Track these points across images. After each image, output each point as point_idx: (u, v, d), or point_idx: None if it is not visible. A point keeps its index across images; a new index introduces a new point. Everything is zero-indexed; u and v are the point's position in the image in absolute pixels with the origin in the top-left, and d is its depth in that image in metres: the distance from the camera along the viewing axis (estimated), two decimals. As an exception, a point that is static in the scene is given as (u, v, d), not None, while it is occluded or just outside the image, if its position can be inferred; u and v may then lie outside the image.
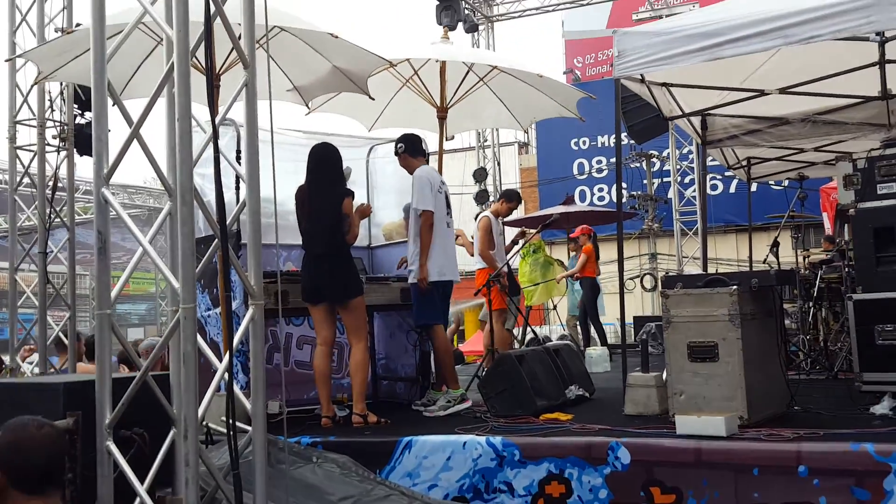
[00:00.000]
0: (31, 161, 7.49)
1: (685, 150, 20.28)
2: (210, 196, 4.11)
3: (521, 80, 7.94)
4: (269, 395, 5.67)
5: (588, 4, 16.60)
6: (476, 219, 9.29)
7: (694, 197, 18.38)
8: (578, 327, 12.52)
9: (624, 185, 21.71)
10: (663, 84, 7.69)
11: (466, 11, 15.16)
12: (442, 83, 7.77)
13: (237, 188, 5.47)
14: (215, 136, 3.45)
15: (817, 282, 8.19)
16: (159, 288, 27.63)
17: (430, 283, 6.41)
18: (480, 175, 15.81)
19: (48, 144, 7.43)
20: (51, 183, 7.34)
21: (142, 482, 3.24)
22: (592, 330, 12.19)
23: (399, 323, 7.21)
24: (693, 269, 16.64)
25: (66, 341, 7.39)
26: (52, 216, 7.30)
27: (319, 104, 7.93)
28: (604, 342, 11.62)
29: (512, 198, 9.07)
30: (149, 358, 3.50)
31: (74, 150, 7.40)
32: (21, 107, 7.41)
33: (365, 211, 6.53)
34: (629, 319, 13.64)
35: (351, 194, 6.24)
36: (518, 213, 22.45)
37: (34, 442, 2.66)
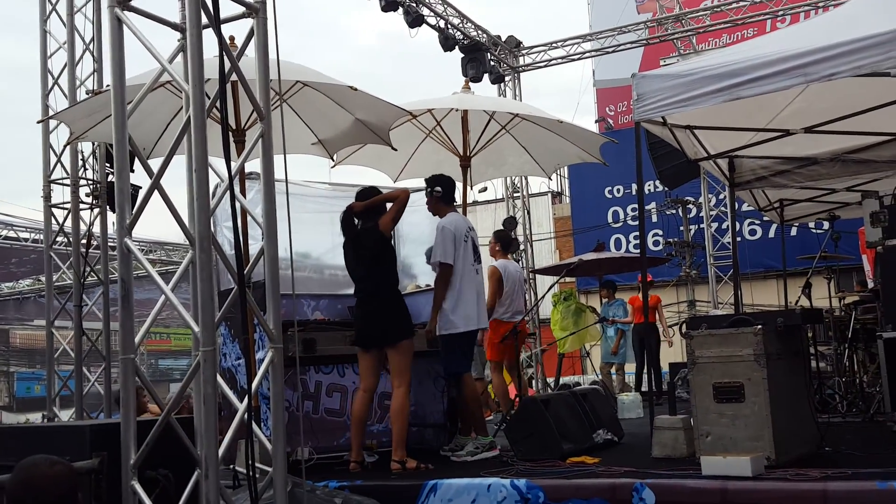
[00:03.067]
0: (66, 219, 7.71)
1: (721, 196, 20.21)
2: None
3: (543, 127, 8.02)
4: (298, 442, 5.77)
5: (615, 52, 16.71)
6: None
7: (729, 242, 18.26)
8: (612, 374, 12.46)
9: (660, 231, 21.73)
10: (686, 127, 7.73)
11: (492, 63, 15.37)
12: (464, 132, 7.88)
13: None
14: (231, 186, 3.56)
15: (852, 323, 8.09)
16: (199, 344, 27.82)
17: (458, 334, 6.46)
18: (510, 224, 15.87)
19: (81, 202, 7.65)
20: (84, 240, 7.52)
21: (165, 522, 3.31)
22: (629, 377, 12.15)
23: (427, 370, 7.24)
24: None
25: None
26: (87, 272, 7.48)
27: (344, 157, 8.08)
28: (638, 388, 11.54)
29: (499, 238, 9.00)
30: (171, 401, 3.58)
31: (107, 206, 7.61)
32: (55, 166, 7.66)
33: (392, 195, 6.48)
34: (665, 367, 13.54)
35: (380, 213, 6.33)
36: (551, 260, 22.57)
37: (45, 480, 2.71)
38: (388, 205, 6.41)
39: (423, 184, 7.03)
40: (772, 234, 20.91)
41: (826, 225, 10.66)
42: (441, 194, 6.72)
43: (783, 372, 5.31)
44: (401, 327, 6.22)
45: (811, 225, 15.27)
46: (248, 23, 3.83)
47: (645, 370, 11.92)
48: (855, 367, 8.44)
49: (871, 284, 9.74)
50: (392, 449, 6.13)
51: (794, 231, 17.57)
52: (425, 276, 7.77)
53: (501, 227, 9.91)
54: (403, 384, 6.18)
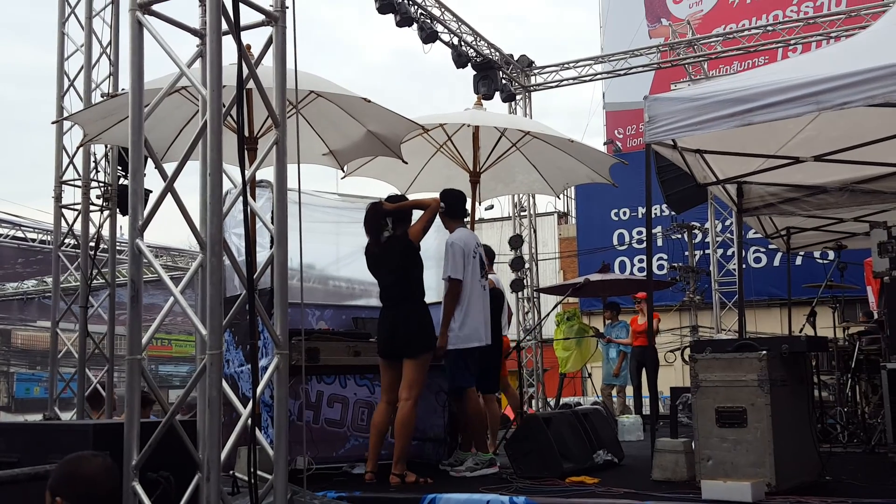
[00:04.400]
0: (75, 220, 7.73)
1: (727, 223, 20.20)
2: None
3: (553, 146, 8.05)
4: (297, 452, 5.76)
5: (626, 74, 16.75)
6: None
7: (734, 269, 18.26)
8: (613, 397, 12.43)
9: (665, 256, 21.71)
10: (696, 151, 7.74)
11: (504, 81, 15.43)
12: (475, 148, 7.91)
13: (271, 247, 5.61)
14: (244, 192, 3.58)
15: (856, 353, 8.08)
16: (201, 351, 27.81)
17: (465, 350, 6.46)
18: (516, 242, 15.88)
19: (92, 204, 7.68)
20: (93, 242, 7.55)
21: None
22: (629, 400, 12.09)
23: (429, 384, 7.22)
24: (730, 340, 16.39)
25: (102, 394, 7.52)
26: (94, 274, 7.50)
27: (355, 168, 8.13)
28: (639, 411, 11.50)
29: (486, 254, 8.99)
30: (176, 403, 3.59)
31: (117, 209, 7.64)
32: (67, 167, 7.70)
33: (423, 203, 6.48)
34: (666, 392, 13.50)
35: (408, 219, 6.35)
36: (555, 280, 22.55)
37: (99, 473, 2.72)
38: (417, 212, 6.43)
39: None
40: (777, 262, 20.89)
41: (831, 255, 10.64)
42: (446, 210, 6.71)
43: (786, 399, 5.30)
44: (424, 339, 6.23)
45: (816, 255, 15.22)
46: (266, 31, 3.86)
47: (643, 394, 11.87)
48: (857, 397, 8.42)
49: (875, 315, 9.73)
50: (392, 462, 6.12)
51: (798, 260, 17.54)
52: (432, 292, 7.77)
53: (489, 245, 9.83)
54: (412, 397, 6.17)
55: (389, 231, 6.34)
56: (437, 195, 6.69)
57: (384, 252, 6.34)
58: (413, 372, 6.17)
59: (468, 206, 8.06)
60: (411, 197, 8.32)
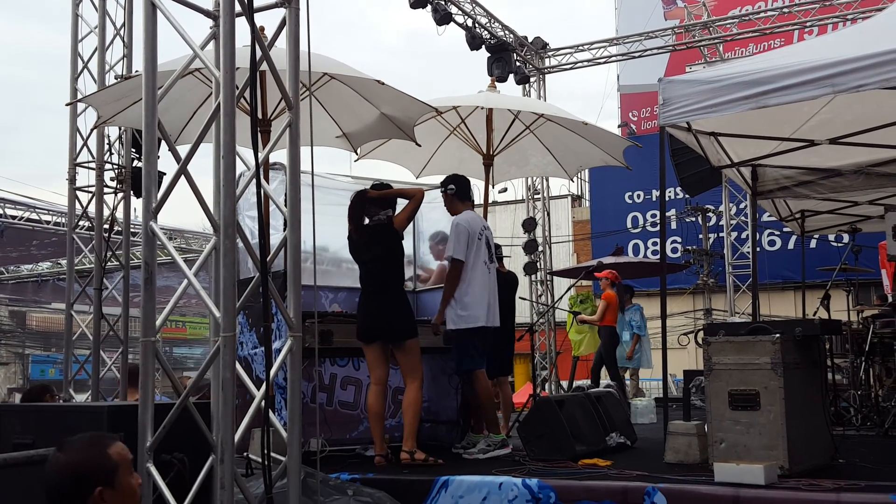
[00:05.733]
0: (90, 202, 7.76)
1: (742, 205, 20.10)
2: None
3: (567, 128, 8.01)
4: (311, 434, 5.79)
5: (640, 56, 16.66)
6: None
7: (748, 252, 18.17)
8: (626, 379, 12.40)
9: (679, 239, 21.64)
10: (711, 133, 7.70)
11: (518, 63, 15.35)
12: (488, 131, 7.89)
13: (285, 229, 5.63)
14: (258, 174, 3.58)
15: (869, 336, 8.05)
16: (214, 333, 27.96)
17: (469, 330, 6.47)
18: (529, 225, 15.85)
19: (106, 186, 7.69)
20: (107, 224, 7.57)
21: (179, 504, 3.34)
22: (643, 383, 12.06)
23: (442, 366, 7.24)
24: (744, 323, 16.30)
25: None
26: (108, 256, 7.52)
27: (368, 151, 8.12)
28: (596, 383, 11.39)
29: None
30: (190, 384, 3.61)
31: (131, 192, 7.65)
32: (81, 150, 7.72)
33: (408, 192, 6.57)
34: (680, 375, 13.48)
35: (392, 207, 6.43)
36: (568, 264, 22.54)
37: (117, 443, 2.73)
38: (402, 202, 6.50)
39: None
40: (791, 245, 20.80)
41: (846, 238, 10.59)
42: (455, 192, 6.76)
43: (800, 382, 5.29)
44: (406, 327, 6.32)
45: (831, 238, 15.12)
46: (280, 13, 3.85)
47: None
48: (871, 380, 8.40)
49: (890, 298, 9.69)
50: (403, 440, 6.17)
51: (813, 243, 17.45)
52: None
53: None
54: (416, 379, 6.28)
55: (387, 217, 6.39)
56: (421, 186, 6.76)
57: (366, 239, 6.44)
58: (406, 359, 6.30)
59: (481, 189, 8.08)
60: (423, 181, 8.35)
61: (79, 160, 7.74)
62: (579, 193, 28.08)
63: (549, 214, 16.57)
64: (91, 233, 7.83)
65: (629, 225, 24.02)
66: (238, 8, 3.54)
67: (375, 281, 6.37)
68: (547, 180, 16.33)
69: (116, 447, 2.72)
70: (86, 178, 7.75)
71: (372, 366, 6.37)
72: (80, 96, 7.38)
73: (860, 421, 7.95)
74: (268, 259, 3.71)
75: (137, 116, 6.79)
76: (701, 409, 7.42)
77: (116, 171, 7.67)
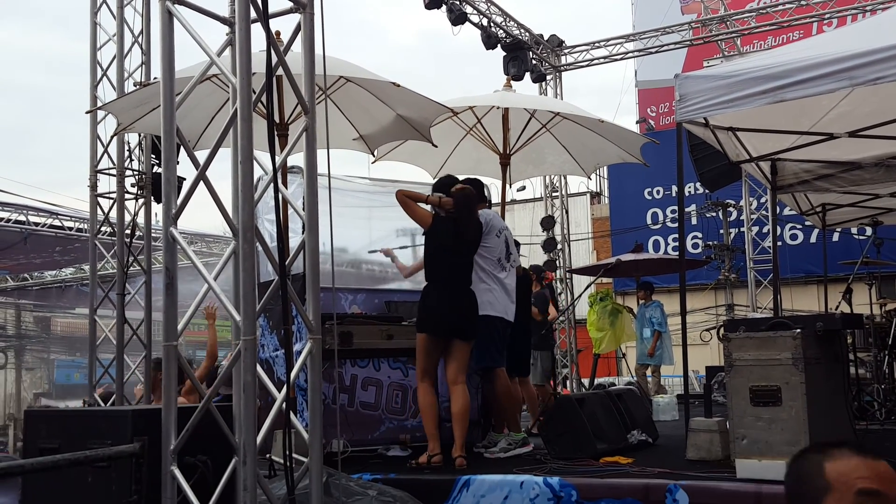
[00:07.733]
0: (111, 208, 7.84)
1: (762, 200, 19.97)
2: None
3: (583, 126, 8.01)
4: (332, 435, 5.82)
5: (658, 52, 16.60)
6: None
7: (769, 246, 18.05)
8: (648, 376, 12.38)
9: (699, 234, 21.54)
10: (729, 128, 7.66)
11: (534, 62, 15.35)
12: (504, 130, 7.89)
13: (303, 232, 5.66)
14: (275, 178, 3.61)
15: (892, 329, 8.00)
16: (236, 336, 28.10)
17: (491, 318, 6.43)
18: (548, 223, 15.84)
19: (127, 192, 7.78)
20: (129, 230, 7.65)
21: (203, 507, 3.37)
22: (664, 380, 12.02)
23: (463, 366, 7.25)
24: (766, 318, 16.21)
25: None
26: (130, 261, 7.60)
27: (385, 152, 8.14)
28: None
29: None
30: (213, 386, 3.65)
31: (152, 197, 7.73)
32: (102, 156, 7.81)
33: (434, 200, 6.36)
34: (702, 371, 13.42)
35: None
36: (588, 261, 22.48)
37: None
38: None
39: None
40: (813, 238, 20.64)
41: (868, 231, 10.50)
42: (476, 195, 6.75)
43: (821, 377, 5.26)
44: (475, 323, 6.30)
45: (853, 231, 15.01)
46: (295, 18, 3.88)
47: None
48: (894, 374, 8.34)
49: (913, 292, 9.62)
50: (456, 445, 6.06)
51: (835, 237, 17.33)
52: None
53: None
54: (463, 382, 6.22)
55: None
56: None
57: (473, 233, 6.38)
58: (464, 356, 6.23)
59: (498, 189, 8.09)
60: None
61: (100, 167, 7.82)
62: (598, 190, 28.00)
63: (567, 212, 16.55)
64: (113, 238, 7.92)
65: (649, 221, 23.91)
66: (253, 14, 3.58)
67: (463, 275, 6.28)
68: (565, 178, 16.31)
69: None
70: (107, 184, 7.85)
71: (432, 362, 6.22)
72: (99, 103, 7.46)
73: (884, 415, 7.90)
74: (287, 262, 3.74)
75: (156, 123, 6.88)
76: (723, 405, 7.40)
77: (137, 177, 7.75)
